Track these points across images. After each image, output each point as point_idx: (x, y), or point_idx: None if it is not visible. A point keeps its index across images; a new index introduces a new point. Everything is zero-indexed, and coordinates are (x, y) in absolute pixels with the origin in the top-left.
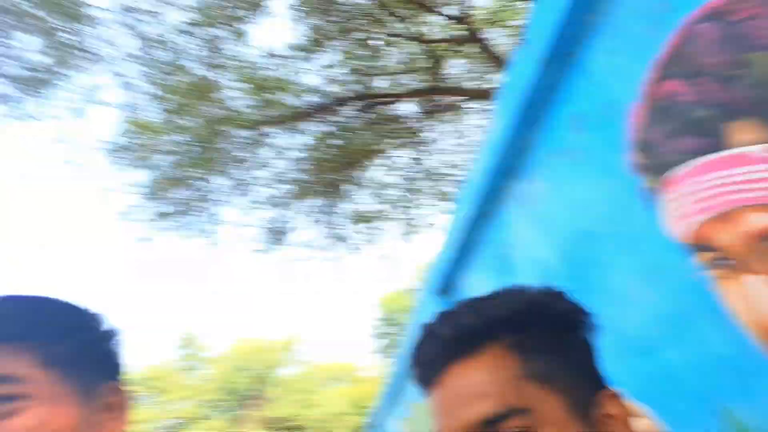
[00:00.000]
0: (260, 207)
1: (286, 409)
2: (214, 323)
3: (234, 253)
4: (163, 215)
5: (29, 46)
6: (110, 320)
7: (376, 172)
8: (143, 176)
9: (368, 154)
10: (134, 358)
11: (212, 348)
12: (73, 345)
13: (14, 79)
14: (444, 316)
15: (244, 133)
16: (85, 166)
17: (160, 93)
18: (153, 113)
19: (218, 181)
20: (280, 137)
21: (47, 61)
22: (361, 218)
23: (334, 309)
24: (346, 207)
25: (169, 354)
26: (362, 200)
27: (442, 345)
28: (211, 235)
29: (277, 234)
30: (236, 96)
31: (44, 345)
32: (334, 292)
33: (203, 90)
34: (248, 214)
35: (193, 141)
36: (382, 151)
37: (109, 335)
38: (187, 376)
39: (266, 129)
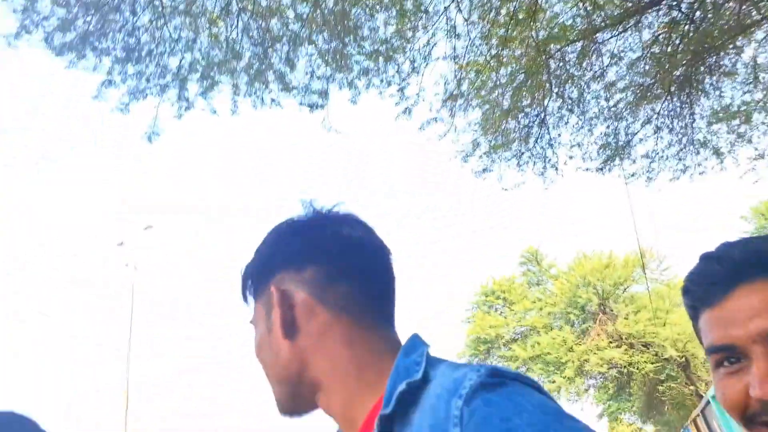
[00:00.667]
0: (598, 122)
1: (635, 326)
2: (558, 240)
3: (572, 172)
4: (498, 148)
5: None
6: None
7: (743, 54)
8: (476, 116)
9: (731, 34)
10: (485, 272)
11: (556, 263)
12: None
13: (369, 55)
14: (729, 245)
15: (573, 47)
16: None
17: (485, 31)
18: (478, 53)
19: (553, 104)
20: (612, 42)
21: (389, 30)
22: (727, 115)
23: (690, 223)
24: (704, 104)
25: (515, 269)
26: (727, 93)
27: (732, 266)
28: (550, 160)
29: (617, 149)
30: (558, 11)
31: None
32: (689, 206)
33: (527, 14)
34: (587, 131)
35: (522, 69)
36: (750, 27)
37: None
38: (532, 288)
39: (596, 36)
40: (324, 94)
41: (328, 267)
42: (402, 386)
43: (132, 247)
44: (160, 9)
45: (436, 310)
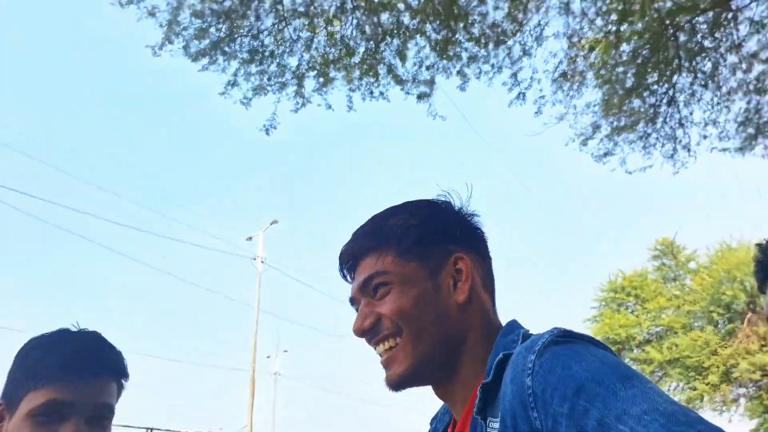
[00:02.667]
0: (737, 97)
1: None
2: (695, 230)
3: (706, 153)
4: (621, 130)
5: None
6: None
7: None
8: (595, 96)
9: None
10: (612, 266)
11: (694, 257)
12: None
13: (478, 40)
14: None
15: (705, 16)
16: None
17: (599, 5)
18: (596, 30)
19: (683, 80)
20: (753, 8)
21: (500, 14)
22: None
23: None
24: None
25: (647, 263)
26: None
27: None
28: (681, 140)
29: (760, 126)
30: None
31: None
32: None
33: None
34: (723, 108)
35: (646, 43)
36: None
37: None
38: (667, 284)
39: (732, 2)
40: (431, 83)
41: (484, 254)
42: (499, 356)
43: (259, 241)
44: (281, 12)
45: (555, 308)
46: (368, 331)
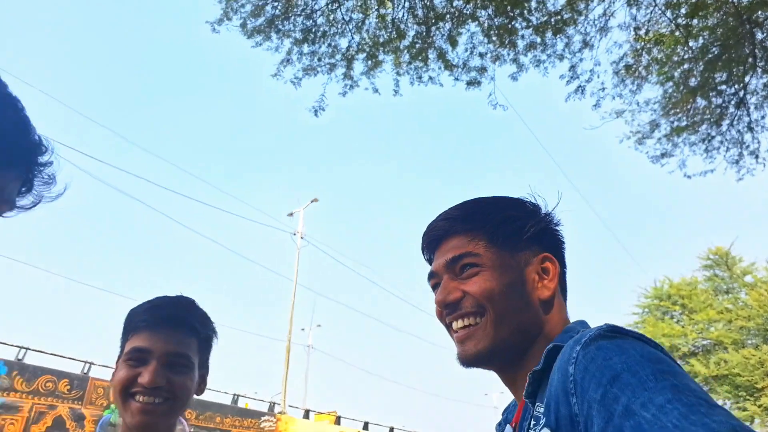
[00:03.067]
0: None
1: None
2: (754, 241)
3: None
4: (681, 130)
5: None
6: None
7: None
8: (656, 92)
9: None
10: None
11: (751, 270)
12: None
13: (536, 28)
14: None
15: None
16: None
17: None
18: (663, 24)
19: (756, 81)
20: None
21: (560, 1)
22: None
23: None
24: None
25: (697, 272)
26: None
27: None
28: (749, 146)
29: None
30: None
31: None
32: None
33: None
34: None
35: (717, 40)
36: None
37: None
38: (719, 297)
39: None
40: (483, 70)
41: (563, 262)
42: (549, 346)
43: (299, 217)
44: None
45: (595, 310)
46: (450, 305)
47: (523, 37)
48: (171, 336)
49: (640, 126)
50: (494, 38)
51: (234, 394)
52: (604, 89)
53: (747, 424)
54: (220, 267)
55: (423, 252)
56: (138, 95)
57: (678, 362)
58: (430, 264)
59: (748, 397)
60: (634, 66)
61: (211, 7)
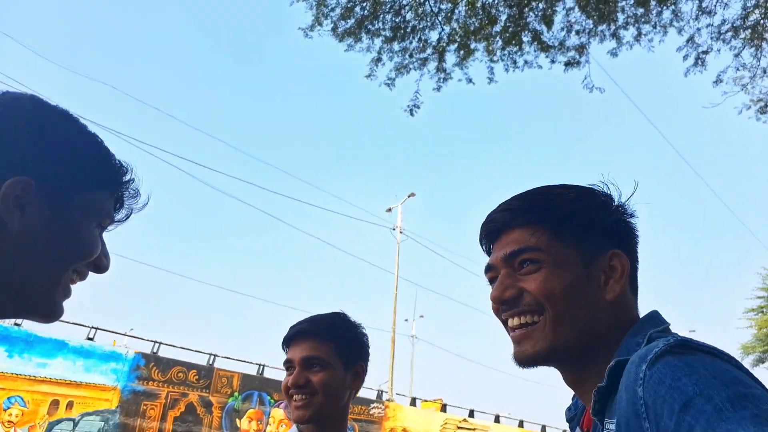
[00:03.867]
0: None
1: None
2: None
3: None
4: None
5: None
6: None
7: None
8: None
9: None
10: None
11: None
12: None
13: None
14: None
15: None
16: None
17: None
18: None
19: None
20: None
21: None
22: None
23: None
24: None
25: None
26: None
27: None
28: None
29: None
30: None
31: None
32: None
33: None
34: None
35: None
36: None
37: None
38: None
39: None
40: (582, 49)
41: (635, 257)
42: (612, 363)
43: (398, 212)
44: None
45: (715, 297)
46: (506, 302)
47: (623, 9)
48: (301, 345)
49: (763, 93)
50: (592, 13)
51: None
52: (719, 53)
53: None
54: (326, 264)
55: (481, 243)
56: (240, 104)
57: (756, 379)
58: (489, 255)
59: None
60: (756, 27)
61: (303, 14)
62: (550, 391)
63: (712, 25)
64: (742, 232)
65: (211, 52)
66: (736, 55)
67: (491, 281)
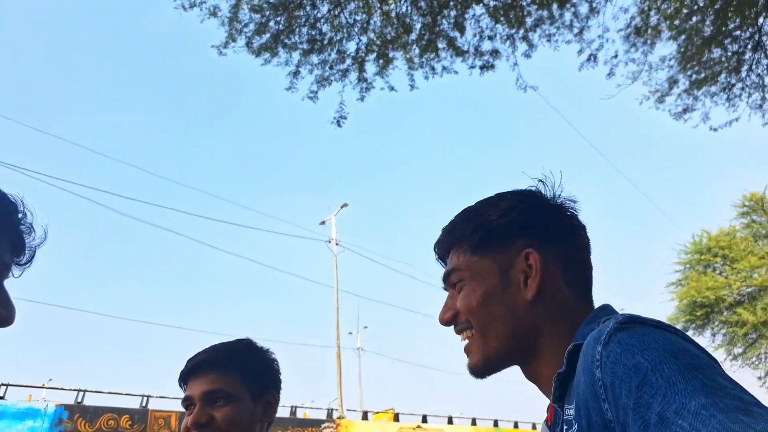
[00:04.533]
0: None
1: None
2: None
3: None
4: (701, 83)
5: None
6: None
7: None
8: (670, 48)
9: None
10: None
11: None
12: None
13: (540, 2)
14: None
15: None
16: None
17: None
18: None
19: None
20: None
21: None
22: None
23: None
24: None
25: (734, 220)
26: None
27: None
28: None
29: None
30: None
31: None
32: None
33: None
34: None
35: None
36: None
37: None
38: (758, 242)
39: None
40: (496, 53)
41: (569, 246)
42: (569, 347)
43: (332, 224)
44: None
45: (637, 274)
46: (448, 323)
47: (529, 14)
48: (202, 379)
49: (658, 84)
50: (501, 19)
51: (291, 406)
52: (616, 56)
53: None
54: (262, 286)
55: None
56: (155, 128)
57: (701, 348)
58: None
59: None
60: (644, 26)
61: (216, 31)
62: (500, 385)
63: (602, 24)
64: (655, 214)
65: (121, 72)
66: (628, 51)
67: None
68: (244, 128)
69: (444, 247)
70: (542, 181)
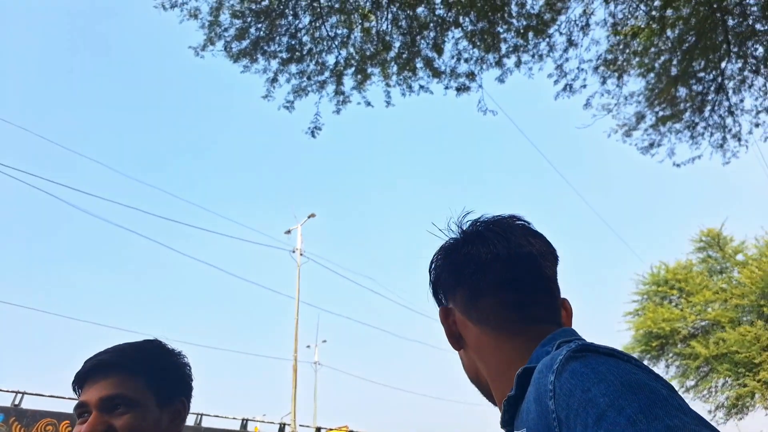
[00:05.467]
0: None
1: None
2: (743, 221)
3: (759, 142)
4: (666, 119)
5: None
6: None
7: None
8: (638, 85)
9: None
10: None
11: (742, 249)
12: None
13: (518, 31)
14: None
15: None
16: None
17: None
18: (639, 18)
19: (732, 66)
20: None
21: (539, 3)
22: None
23: None
24: None
25: (691, 254)
26: None
27: None
28: (731, 129)
29: None
30: None
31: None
32: None
33: None
34: None
35: (692, 29)
36: None
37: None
38: (713, 277)
39: None
40: (471, 76)
41: (470, 287)
42: (519, 371)
43: (297, 234)
44: (318, 9)
45: (595, 303)
46: None
47: (505, 40)
48: (100, 383)
49: (626, 119)
50: (478, 43)
51: (243, 419)
52: (585, 86)
53: (748, 398)
54: (220, 291)
55: None
56: (122, 124)
57: (657, 377)
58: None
59: (747, 373)
60: (615, 60)
61: (194, 33)
62: (452, 406)
63: (578, 56)
64: (617, 243)
65: (85, 65)
66: (602, 83)
67: None
68: (214, 131)
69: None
70: (441, 230)
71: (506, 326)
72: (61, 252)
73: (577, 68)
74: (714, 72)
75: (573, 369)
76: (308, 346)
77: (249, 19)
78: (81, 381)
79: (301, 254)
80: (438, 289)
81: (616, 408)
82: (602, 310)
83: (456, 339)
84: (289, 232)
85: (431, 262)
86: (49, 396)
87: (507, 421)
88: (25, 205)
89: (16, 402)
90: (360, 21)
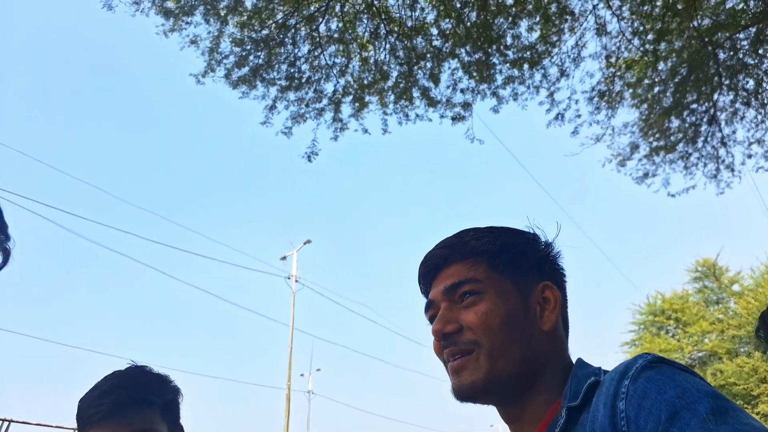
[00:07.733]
0: None
1: None
2: (739, 252)
3: (751, 172)
4: (660, 150)
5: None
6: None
7: None
8: (632, 115)
9: None
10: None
11: (738, 279)
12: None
13: (513, 62)
14: None
15: (746, 33)
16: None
17: (635, 25)
18: (632, 50)
19: (723, 98)
20: None
21: (534, 36)
22: None
23: None
24: None
25: (687, 284)
26: None
27: None
28: (723, 160)
29: None
30: None
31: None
32: None
33: (686, 2)
34: (766, 127)
35: (684, 62)
36: None
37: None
38: (710, 308)
39: None
40: (467, 106)
41: (564, 294)
42: (590, 380)
43: (293, 260)
44: (317, 39)
45: (591, 332)
46: (448, 336)
47: (500, 71)
48: (128, 420)
49: (621, 149)
50: (474, 74)
51: None
52: (579, 116)
53: None
54: (214, 318)
55: (419, 283)
56: (114, 147)
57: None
58: (426, 296)
59: (745, 406)
60: (608, 92)
61: (195, 60)
62: None
63: (570, 86)
64: (613, 273)
65: (79, 86)
66: (595, 113)
67: (431, 320)
68: (211, 156)
69: (447, 260)
70: (538, 228)
71: (567, 336)
72: (50, 276)
73: (569, 98)
74: (706, 104)
75: (649, 376)
76: (302, 375)
77: (249, 47)
78: (98, 422)
79: (296, 281)
80: (538, 267)
81: (690, 409)
82: (598, 339)
83: (555, 326)
84: (284, 258)
85: (537, 236)
86: (35, 424)
87: (564, 429)
88: (13, 227)
89: (3, 430)
90: (358, 51)
